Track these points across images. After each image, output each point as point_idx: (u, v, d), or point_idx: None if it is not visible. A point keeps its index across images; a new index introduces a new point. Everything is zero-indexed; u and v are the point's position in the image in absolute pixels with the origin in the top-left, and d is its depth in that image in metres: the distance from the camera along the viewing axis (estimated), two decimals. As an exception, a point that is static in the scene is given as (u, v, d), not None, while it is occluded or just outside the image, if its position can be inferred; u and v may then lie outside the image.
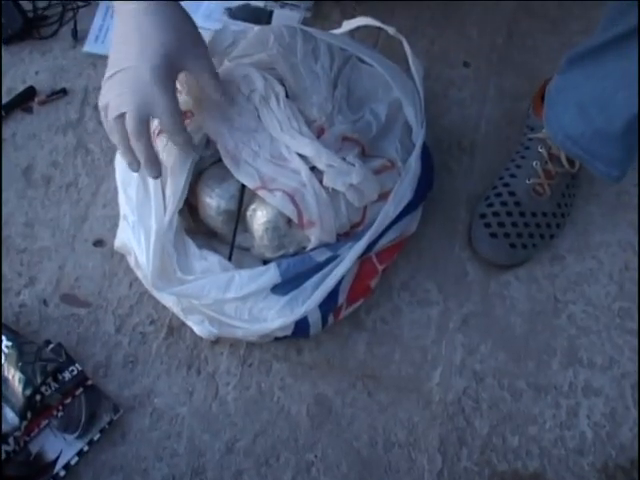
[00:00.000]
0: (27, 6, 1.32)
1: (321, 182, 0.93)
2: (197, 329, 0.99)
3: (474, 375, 1.07)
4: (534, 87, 1.20)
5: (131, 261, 1.02)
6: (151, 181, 0.95)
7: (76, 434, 0.98)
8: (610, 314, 1.13)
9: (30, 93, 1.24)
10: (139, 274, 1.02)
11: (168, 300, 1.00)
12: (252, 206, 0.97)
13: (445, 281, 1.14)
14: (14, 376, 0.96)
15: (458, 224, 1.18)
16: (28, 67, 1.28)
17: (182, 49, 0.88)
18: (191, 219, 1.04)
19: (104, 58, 1.22)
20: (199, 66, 0.91)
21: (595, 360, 1.09)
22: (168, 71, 0.87)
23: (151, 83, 0.86)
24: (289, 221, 0.95)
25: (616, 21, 0.93)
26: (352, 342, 1.08)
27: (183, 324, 1.06)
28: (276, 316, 0.95)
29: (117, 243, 1.00)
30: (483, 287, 1.14)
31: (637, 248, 1.18)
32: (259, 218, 0.96)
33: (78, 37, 1.30)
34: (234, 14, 1.33)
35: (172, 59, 0.87)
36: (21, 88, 1.25)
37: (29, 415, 0.96)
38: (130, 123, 0.87)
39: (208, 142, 0.99)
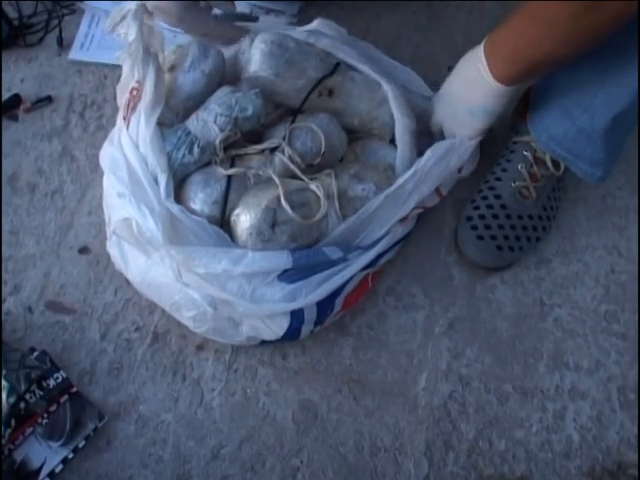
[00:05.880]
0: (13, 14, 1.33)
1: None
2: (198, 296, 0.97)
3: (460, 379, 1.07)
4: (519, 91, 1.20)
5: (116, 262, 1.02)
6: (136, 164, 0.96)
7: (61, 442, 0.97)
8: (596, 317, 1.13)
9: (15, 101, 1.24)
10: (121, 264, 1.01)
11: (168, 269, 0.96)
12: (235, 211, 0.97)
13: (431, 285, 1.14)
14: (-2, 384, 0.96)
15: (444, 228, 1.18)
16: (13, 75, 1.29)
17: None
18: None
19: (89, 65, 1.24)
20: None
21: (581, 363, 1.09)
22: None
23: None
24: (272, 225, 0.95)
25: None
26: (338, 347, 1.08)
27: (168, 330, 1.07)
28: (277, 301, 0.95)
29: (115, 223, 0.97)
30: (469, 291, 1.14)
31: (637, 254, 1.18)
32: (242, 223, 0.96)
33: (63, 45, 1.31)
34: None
35: None
36: (6, 96, 1.25)
37: (13, 423, 0.95)
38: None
39: (192, 148, 0.99)
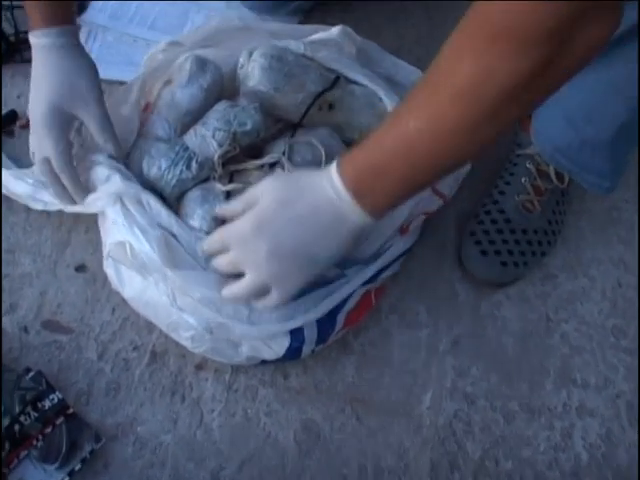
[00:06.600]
0: (9, 29, 1.31)
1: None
2: (194, 320, 0.94)
3: (465, 398, 1.05)
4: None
5: (112, 282, 1.00)
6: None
7: (56, 464, 0.95)
8: (604, 332, 1.11)
9: (12, 117, 1.23)
10: (120, 294, 0.99)
11: (162, 294, 0.95)
12: (235, 228, 0.95)
13: (435, 303, 1.12)
14: (-8, 406, 0.94)
15: (447, 244, 1.17)
16: (10, 90, 1.27)
17: (71, 97, 0.96)
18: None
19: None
20: (87, 116, 0.97)
21: (589, 380, 1.07)
22: (56, 117, 0.95)
23: (40, 127, 0.95)
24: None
25: None
26: (340, 366, 1.06)
27: (167, 350, 1.04)
28: (276, 321, 0.93)
29: (110, 246, 0.97)
30: (474, 308, 1.12)
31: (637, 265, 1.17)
32: (242, 240, 0.94)
33: (60, 60, 1.29)
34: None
35: (59, 106, 0.95)
36: (3, 112, 1.23)
37: (7, 446, 0.93)
38: (39, 165, 0.97)
39: (189, 164, 0.98)
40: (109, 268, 1.00)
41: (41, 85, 0.96)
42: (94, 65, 1.00)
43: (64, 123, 0.97)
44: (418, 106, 0.72)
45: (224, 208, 0.86)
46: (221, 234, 0.85)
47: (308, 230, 0.79)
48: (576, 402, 1.06)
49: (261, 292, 0.84)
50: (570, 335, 1.11)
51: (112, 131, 0.99)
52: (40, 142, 0.97)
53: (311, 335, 0.97)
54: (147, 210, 0.94)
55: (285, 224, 0.80)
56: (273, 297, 0.84)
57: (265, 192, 0.81)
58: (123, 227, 0.93)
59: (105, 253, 0.99)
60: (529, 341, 1.10)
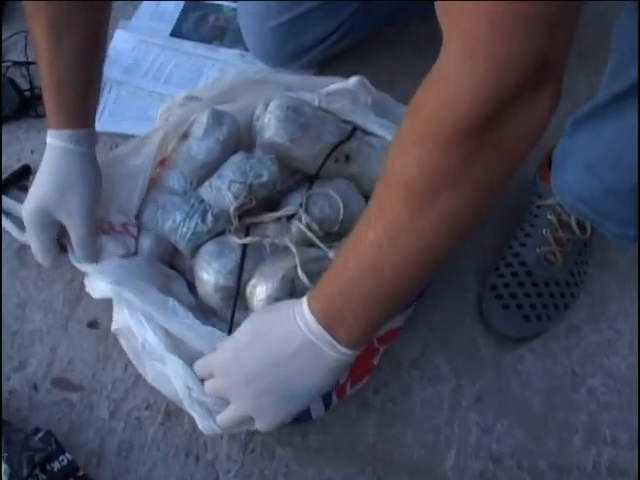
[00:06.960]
0: (24, 85, 1.31)
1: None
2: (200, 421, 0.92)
3: (491, 456, 1.01)
4: (540, 154, 1.17)
5: (125, 346, 0.97)
6: None
7: (66, 530, 0.91)
8: (632, 386, 1.07)
9: (25, 171, 1.22)
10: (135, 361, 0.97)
11: (178, 378, 0.93)
12: (252, 282, 0.93)
13: (456, 357, 1.08)
14: (-1, 468, 0.90)
15: (468, 296, 1.14)
16: (24, 145, 1.27)
17: (60, 204, 0.94)
18: (192, 296, 1.00)
19: (101, 135, 1.20)
20: (71, 227, 0.96)
21: (619, 437, 1.03)
22: (40, 219, 0.95)
23: (27, 224, 0.96)
24: (290, 296, 0.91)
25: (618, 77, 0.91)
26: (360, 424, 1.02)
27: (181, 408, 1.00)
28: None
29: (114, 325, 0.96)
30: (496, 362, 1.09)
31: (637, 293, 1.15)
32: (259, 294, 0.92)
33: (74, 114, 1.29)
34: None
35: (47, 209, 0.94)
36: (16, 166, 1.23)
37: (15, 510, 0.89)
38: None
39: (205, 216, 0.96)
40: (120, 336, 0.98)
41: (39, 183, 0.96)
42: (99, 176, 0.98)
43: (48, 226, 0.96)
44: (373, 212, 0.69)
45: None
46: (206, 359, 0.85)
47: (280, 364, 0.76)
48: (606, 460, 1.01)
49: (247, 421, 0.82)
50: (597, 390, 1.07)
51: (92, 248, 0.97)
52: (28, 238, 0.99)
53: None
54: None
55: (256, 357, 0.78)
56: (257, 426, 0.82)
57: (244, 324, 0.82)
58: (128, 310, 0.92)
59: (112, 328, 0.97)
60: (555, 396, 1.06)
